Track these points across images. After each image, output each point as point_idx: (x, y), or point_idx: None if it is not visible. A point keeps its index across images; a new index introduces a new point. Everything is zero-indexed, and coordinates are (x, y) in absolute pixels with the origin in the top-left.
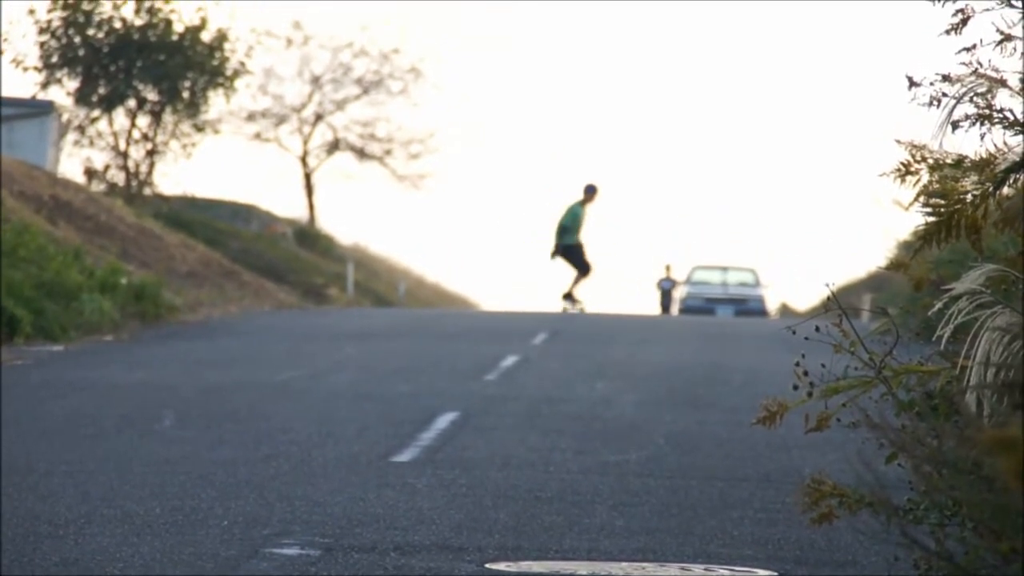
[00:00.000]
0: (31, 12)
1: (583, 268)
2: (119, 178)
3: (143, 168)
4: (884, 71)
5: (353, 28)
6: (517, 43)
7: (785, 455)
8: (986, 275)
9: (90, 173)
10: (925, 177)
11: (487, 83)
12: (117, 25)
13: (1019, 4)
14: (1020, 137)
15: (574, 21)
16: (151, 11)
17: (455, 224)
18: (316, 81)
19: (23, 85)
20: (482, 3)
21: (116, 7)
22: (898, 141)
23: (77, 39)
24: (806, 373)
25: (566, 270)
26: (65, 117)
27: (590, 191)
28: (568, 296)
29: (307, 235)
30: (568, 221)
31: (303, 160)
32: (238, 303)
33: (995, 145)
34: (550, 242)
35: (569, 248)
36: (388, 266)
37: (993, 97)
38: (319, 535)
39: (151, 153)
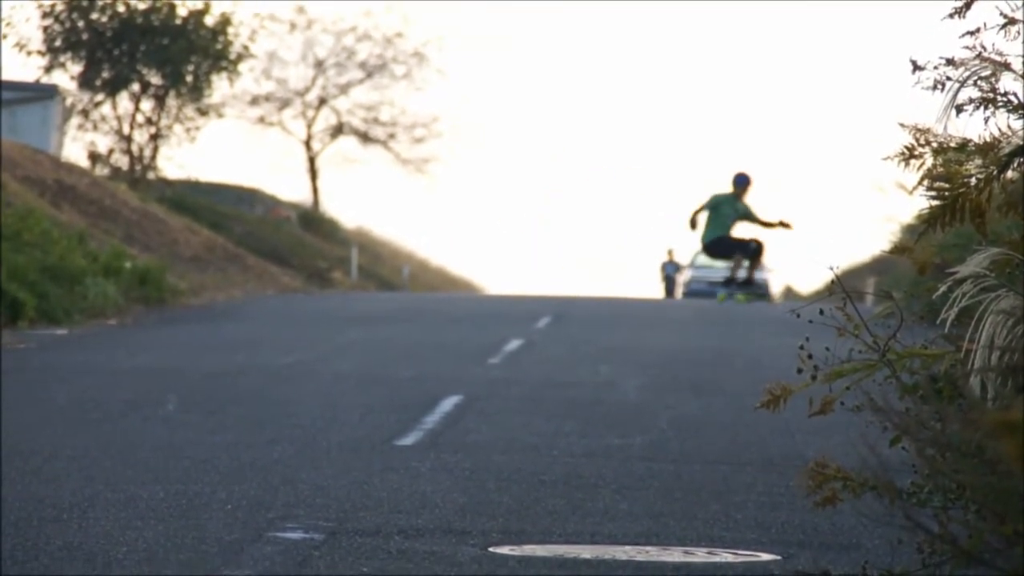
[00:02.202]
0: None
1: (748, 250)
2: (123, 162)
3: (147, 152)
4: (889, 55)
5: (357, 12)
6: (517, 43)
7: (789, 439)
8: (990, 258)
9: (94, 157)
10: (929, 161)
11: (487, 83)
12: (120, 9)
13: None
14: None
15: (574, 21)
16: None
17: (459, 208)
18: (320, 65)
19: (27, 69)
20: (482, 3)
21: None
22: (902, 125)
23: (81, 23)
24: (810, 356)
25: (733, 261)
26: (69, 101)
27: (741, 183)
28: (748, 282)
29: (311, 219)
30: (712, 215)
31: (307, 144)
32: (242, 287)
33: (999, 129)
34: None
35: (719, 244)
36: (392, 250)
37: (997, 81)
38: (323, 519)
39: (155, 137)
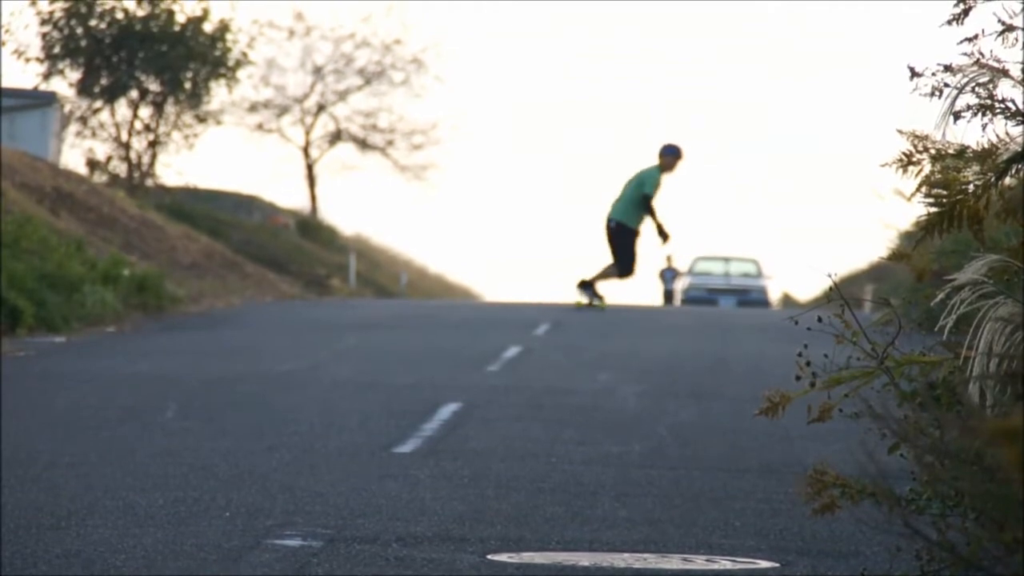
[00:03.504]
0: (33, 3)
1: (624, 264)
2: (121, 169)
3: (145, 159)
4: (887, 61)
5: (355, 18)
6: (516, 46)
7: (787, 445)
8: (988, 265)
9: (92, 164)
10: (927, 167)
11: (485, 87)
12: (119, 16)
13: None
14: (1022, 127)
15: (575, 24)
16: (153, 2)
17: (458, 215)
18: (318, 72)
19: (25, 76)
20: (482, 5)
21: None
22: (900, 131)
23: (79, 30)
24: (808, 364)
25: (601, 255)
26: (67, 108)
27: (671, 153)
28: (587, 284)
29: (309, 226)
30: (632, 192)
31: (305, 151)
32: (240, 294)
33: (997, 135)
34: (605, 210)
35: (621, 231)
36: (390, 257)
37: (995, 87)
38: (321, 526)
39: (153, 144)
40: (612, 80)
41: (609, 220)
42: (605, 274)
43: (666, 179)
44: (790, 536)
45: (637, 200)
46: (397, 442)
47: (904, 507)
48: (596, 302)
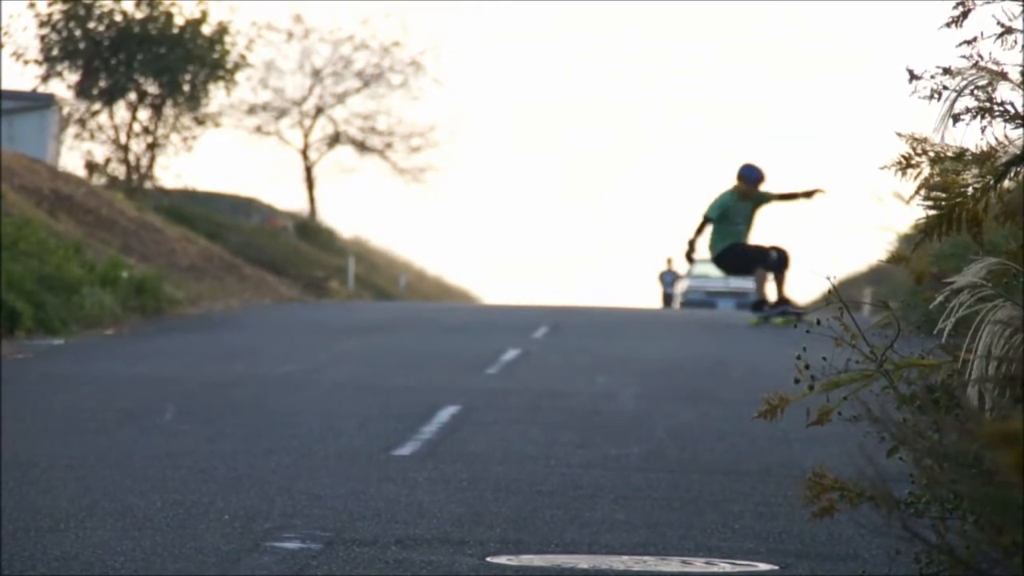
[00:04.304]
0: (32, 5)
1: (778, 259)
2: (120, 171)
3: (144, 161)
4: (886, 64)
5: (354, 21)
6: (516, 41)
7: (786, 448)
8: (987, 268)
9: (91, 166)
10: (926, 170)
11: (483, 89)
12: (118, 18)
13: None
14: (1021, 130)
15: (575, 25)
16: (152, 4)
17: (456, 217)
18: (317, 74)
19: (24, 78)
20: (480, 6)
21: (117, 0)
22: (899, 134)
23: (78, 32)
24: (807, 367)
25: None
26: (66, 110)
27: (748, 178)
28: (784, 301)
29: (308, 228)
30: (713, 213)
31: (304, 153)
32: (239, 296)
33: (996, 138)
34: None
35: (734, 251)
36: (389, 259)
37: (994, 90)
38: (320, 529)
39: (152, 146)
40: (612, 80)
41: (720, 256)
42: (782, 280)
43: (742, 204)
44: (789, 539)
45: (728, 227)
46: (396, 445)
47: (903, 510)
48: (799, 311)
